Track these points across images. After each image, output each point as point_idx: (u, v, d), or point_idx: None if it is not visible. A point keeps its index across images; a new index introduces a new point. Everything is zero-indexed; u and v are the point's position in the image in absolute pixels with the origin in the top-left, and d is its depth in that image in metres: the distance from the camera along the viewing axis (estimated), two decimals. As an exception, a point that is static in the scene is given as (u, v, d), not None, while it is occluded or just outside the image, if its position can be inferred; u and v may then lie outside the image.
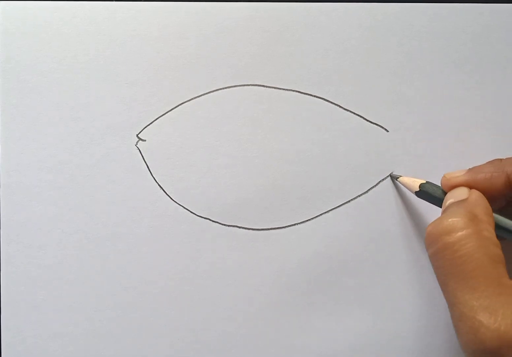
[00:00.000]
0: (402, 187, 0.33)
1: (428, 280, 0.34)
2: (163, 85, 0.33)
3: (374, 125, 0.34)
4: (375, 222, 0.34)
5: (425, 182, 0.31)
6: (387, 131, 0.34)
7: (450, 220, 0.26)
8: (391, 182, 0.34)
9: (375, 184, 0.34)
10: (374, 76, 0.34)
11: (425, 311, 0.34)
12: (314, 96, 0.34)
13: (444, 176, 0.30)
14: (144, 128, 0.33)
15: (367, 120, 0.34)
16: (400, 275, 0.34)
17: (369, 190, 0.34)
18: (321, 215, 0.34)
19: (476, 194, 0.28)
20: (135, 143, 0.33)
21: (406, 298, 0.34)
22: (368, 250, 0.34)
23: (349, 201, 0.34)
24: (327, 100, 0.34)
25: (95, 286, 0.33)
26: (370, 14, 0.34)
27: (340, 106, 0.34)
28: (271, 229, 0.34)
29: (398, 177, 0.33)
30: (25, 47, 0.33)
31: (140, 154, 0.33)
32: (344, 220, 0.34)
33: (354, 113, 0.34)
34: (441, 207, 0.29)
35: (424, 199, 0.31)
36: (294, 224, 0.34)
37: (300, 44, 0.34)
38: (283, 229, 0.34)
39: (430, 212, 0.34)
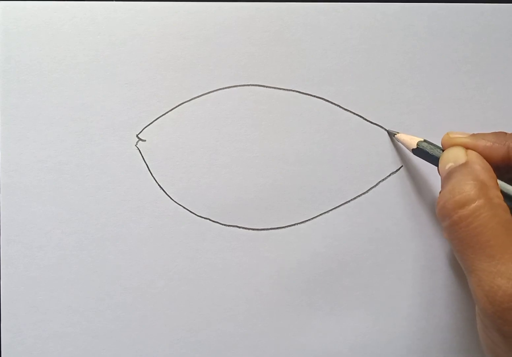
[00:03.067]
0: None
1: (428, 280, 0.34)
2: (163, 85, 0.33)
3: (374, 125, 0.34)
4: (375, 222, 0.34)
5: (422, 139, 0.31)
6: (387, 131, 0.34)
7: (461, 193, 0.26)
8: (390, 181, 0.34)
9: (375, 184, 0.34)
10: (374, 76, 0.34)
11: (425, 311, 0.34)
12: (314, 96, 0.34)
13: (447, 134, 0.30)
14: (144, 128, 0.33)
15: (367, 120, 0.34)
16: (400, 275, 0.34)
17: (369, 190, 0.34)
18: (321, 215, 0.34)
19: (474, 155, 0.28)
20: (135, 144, 0.33)
21: (406, 298, 0.34)
22: (368, 250, 0.34)
23: (349, 201, 0.34)
24: (327, 100, 0.34)
25: (95, 286, 0.33)
26: (370, 14, 0.34)
27: (340, 106, 0.34)
28: (271, 229, 0.34)
29: (396, 134, 0.33)
30: (25, 47, 0.33)
31: (140, 154, 0.33)
32: (344, 220, 0.34)
33: (354, 113, 0.34)
34: (437, 166, 0.30)
35: (420, 157, 0.31)
36: (294, 224, 0.34)
37: (300, 44, 0.34)
38: (283, 229, 0.34)
39: (430, 211, 0.34)
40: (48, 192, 0.33)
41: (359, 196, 0.34)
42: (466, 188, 0.26)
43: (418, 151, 0.31)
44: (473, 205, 0.26)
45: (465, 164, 0.27)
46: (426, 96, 0.34)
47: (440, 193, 0.28)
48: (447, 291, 0.34)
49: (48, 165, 0.33)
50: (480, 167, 0.27)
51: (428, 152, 0.30)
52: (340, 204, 0.34)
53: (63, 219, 0.33)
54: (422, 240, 0.34)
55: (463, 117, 0.34)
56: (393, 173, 0.34)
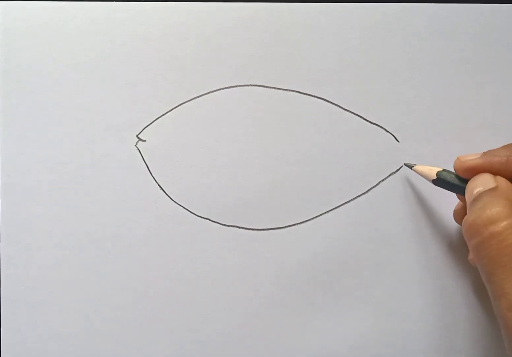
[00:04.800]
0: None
1: (428, 280, 0.34)
2: (163, 86, 0.33)
3: (374, 125, 0.34)
4: (375, 222, 0.34)
5: (441, 169, 0.30)
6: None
7: (493, 209, 0.25)
8: (390, 181, 0.34)
9: (375, 184, 0.34)
10: (374, 76, 0.34)
11: (425, 311, 0.34)
12: (314, 96, 0.34)
13: (458, 159, 0.29)
14: (144, 128, 0.33)
15: (367, 121, 0.34)
16: (400, 275, 0.34)
17: (369, 190, 0.34)
18: (321, 215, 0.34)
19: (503, 180, 0.27)
20: (135, 144, 0.33)
21: (406, 298, 0.34)
22: (368, 250, 0.34)
23: (349, 201, 0.34)
24: (327, 101, 0.34)
25: (95, 286, 0.33)
26: (370, 14, 0.34)
27: (340, 107, 0.34)
28: (270, 229, 0.34)
29: (413, 166, 0.32)
30: (25, 47, 0.33)
31: (140, 154, 0.33)
32: (344, 220, 0.34)
33: (354, 113, 0.34)
34: (460, 194, 0.29)
35: (441, 187, 0.31)
36: (294, 224, 0.34)
37: (300, 44, 0.34)
38: (283, 229, 0.34)
39: (430, 212, 0.34)
40: (48, 192, 0.33)
41: (359, 196, 0.34)
42: (499, 205, 0.25)
43: (439, 181, 0.30)
44: (506, 222, 0.25)
45: (495, 188, 0.27)
46: (426, 96, 0.34)
47: (467, 213, 0.27)
48: (447, 291, 0.34)
49: (48, 166, 0.33)
50: (511, 191, 0.26)
51: (449, 182, 0.30)
52: (340, 204, 0.34)
53: (63, 219, 0.33)
54: (422, 240, 0.34)
55: (463, 117, 0.34)
56: (393, 173, 0.34)
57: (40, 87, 0.33)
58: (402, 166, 0.34)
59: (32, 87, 0.33)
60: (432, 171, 0.31)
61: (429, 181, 0.31)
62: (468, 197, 0.28)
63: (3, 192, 0.33)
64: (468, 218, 0.26)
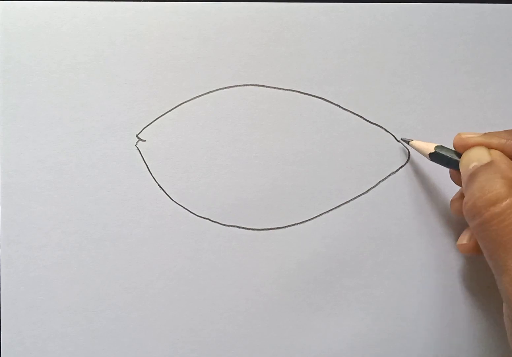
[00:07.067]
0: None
1: (428, 279, 0.34)
2: (163, 85, 0.33)
3: (374, 125, 0.34)
4: (375, 222, 0.34)
5: (439, 145, 0.31)
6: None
7: (492, 191, 0.26)
8: (390, 181, 0.34)
9: (375, 184, 0.34)
10: (374, 76, 0.34)
11: (425, 311, 0.34)
12: (314, 96, 0.34)
13: (458, 135, 0.29)
14: (144, 128, 0.33)
15: (367, 121, 0.34)
16: (400, 275, 0.34)
17: (369, 190, 0.34)
18: (321, 215, 0.34)
19: (498, 154, 0.27)
20: (135, 144, 0.33)
21: (406, 298, 0.34)
22: (368, 250, 0.34)
23: (349, 201, 0.34)
24: (327, 100, 0.34)
25: (95, 286, 0.33)
26: (370, 14, 0.34)
27: (340, 106, 0.34)
28: (270, 229, 0.34)
29: (410, 141, 0.32)
30: (25, 47, 0.33)
31: (140, 154, 0.33)
32: (343, 220, 0.34)
33: (354, 113, 0.34)
34: (455, 169, 0.29)
35: (437, 162, 0.31)
36: (294, 224, 0.34)
37: (300, 44, 0.34)
38: (283, 229, 0.34)
39: (430, 211, 0.34)
40: (48, 192, 0.33)
41: (359, 196, 0.34)
42: (497, 185, 0.26)
43: (435, 156, 0.30)
44: (505, 202, 0.25)
45: (490, 163, 0.27)
46: (426, 96, 0.34)
47: (466, 192, 0.27)
48: (447, 290, 0.34)
49: (48, 165, 0.33)
50: (506, 166, 0.27)
51: (447, 156, 0.30)
52: (340, 204, 0.34)
53: (63, 219, 0.33)
54: (421, 239, 0.34)
55: (463, 117, 0.34)
56: (393, 173, 0.34)
57: (40, 87, 0.33)
58: (401, 166, 0.34)
59: (32, 87, 0.33)
60: (430, 146, 0.31)
61: (426, 156, 0.31)
62: (463, 171, 0.28)
63: (3, 192, 0.33)
64: (469, 200, 0.27)
